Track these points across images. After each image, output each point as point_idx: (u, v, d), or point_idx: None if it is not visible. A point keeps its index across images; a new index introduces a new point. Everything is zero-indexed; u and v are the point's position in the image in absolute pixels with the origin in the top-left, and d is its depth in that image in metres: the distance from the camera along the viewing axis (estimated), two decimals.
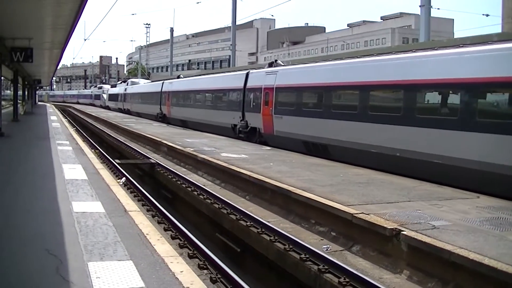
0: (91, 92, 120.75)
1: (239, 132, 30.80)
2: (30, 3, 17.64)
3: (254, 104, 28.93)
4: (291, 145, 24.59)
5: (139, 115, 61.46)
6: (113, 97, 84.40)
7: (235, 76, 34.31)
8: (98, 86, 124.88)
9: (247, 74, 30.79)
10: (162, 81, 54.51)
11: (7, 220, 10.02)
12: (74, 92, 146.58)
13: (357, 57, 23.79)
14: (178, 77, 54.28)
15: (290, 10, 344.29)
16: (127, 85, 75.22)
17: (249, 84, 30.06)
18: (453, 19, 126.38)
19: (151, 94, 56.18)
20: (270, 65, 30.78)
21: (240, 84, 30.84)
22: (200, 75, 55.06)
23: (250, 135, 29.54)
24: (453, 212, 11.34)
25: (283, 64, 30.03)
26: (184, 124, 43.33)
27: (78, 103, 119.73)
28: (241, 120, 30.47)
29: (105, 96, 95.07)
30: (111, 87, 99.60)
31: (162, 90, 50.85)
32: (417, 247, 9.22)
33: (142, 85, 68.42)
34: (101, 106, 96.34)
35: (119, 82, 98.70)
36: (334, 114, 21.63)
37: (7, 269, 7.35)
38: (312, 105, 24.41)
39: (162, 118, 50.35)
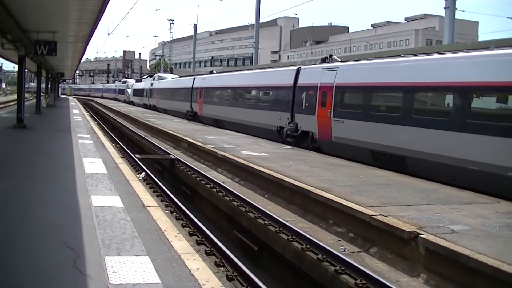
0: (115, 86, 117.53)
1: (286, 135, 27.20)
2: None
3: (307, 104, 25.16)
4: (354, 154, 21.13)
5: (166, 112, 58.02)
6: (138, 92, 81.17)
7: (283, 72, 30.40)
8: (122, 80, 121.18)
9: (298, 70, 27.00)
10: (193, 76, 50.43)
11: (26, 211, 10.08)
12: (99, 86, 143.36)
13: (453, 52, 19.12)
14: (211, 72, 49.65)
15: (313, 9, 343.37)
16: (153, 79, 72.28)
17: (300, 82, 26.38)
18: (477, 22, 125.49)
19: (181, 90, 52.36)
20: (323, 60, 26.68)
21: (289, 81, 27.18)
22: (237, 70, 50.13)
23: (300, 140, 25.78)
24: (472, 217, 11.23)
25: (339, 60, 26.26)
26: (217, 123, 39.05)
27: (102, 97, 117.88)
28: (289, 123, 26.82)
29: (129, 90, 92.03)
30: (136, 81, 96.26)
31: (194, 86, 46.74)
32: (435, 251, 9.15)
33: (171, 80, 64.53)
34: (124, 101, 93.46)
35: (145, 76, 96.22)
36: (419, 121, 18.07)
37: (25, 260, 7.39)
38: (387, 108, 20.66)
39: (193, 117, 46.56)
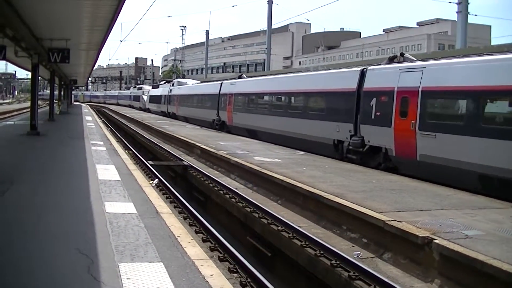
0: (130, 93, 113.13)
1: (347, 151, 22.66)
2: (68, 4, 17.90)
3: (378, 114, 20.72)
4: (450, 178, 16.90)
5: (187, 120, 53.50)
6: (155, 99, 76.42)
7: (341, 75, 25.90)
8: (137, 86, 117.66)
9: (362, 72, 22.44)
10: (220, 81, 45.18)
11: (40, 218, 10.14)
12: (115, 92, 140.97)
13: None
14: (240, 76, 44.46)
15: (325, 15, 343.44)
16: (172, 85, 66.32)
17: (368, 85, 21.82)
18: (490, 26, 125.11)
19: (205, 97, 47.56)
20: (392, 60, 22.37)
21: (351, 85, 22.81)
22: (273, 74, 44.22)
23: (367, 157, 21.46)
24: (486, 222, 11.17)
25: (414, 59, 22.11)
26: (252, 134, 34.30)
27: (118, 104, 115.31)
28: (352, 136, 22.26)
29: (145, 97, 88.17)
30: (152, 87, 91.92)
31: (221, 92, 41.89)
32: (449, 256, 9.10)
33: (192, 86, 59.22)
34: (140, 109, 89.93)
35: (162, 82, 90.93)
36: None
37: (39, 266, 7.42)
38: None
39: (220, 126, 41.65)
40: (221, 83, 43.40)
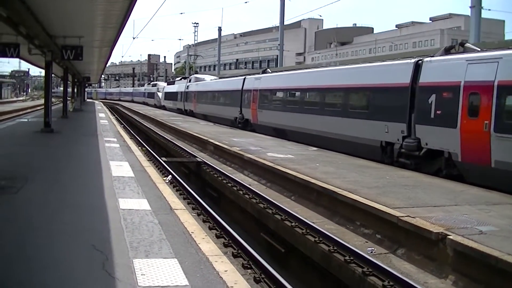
0: (144, 90, 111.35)
1: (399, 154, 20.02)
2: (82, 2, 17.96)
3: (439, 112, 18.08)
4: None
5: (206, 118, 50.60)
6: (170, 96, 73.33)
7: (390, 67, 22.47)
8: (152, 83, 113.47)
9: (417, 64, 19.59)
10: (242, 77, 42.10)
11: (55, 215, 10.20)
12: (129, 89, 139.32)
13: None
14: (264, 71, 40.83)
15: (338, 11, 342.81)
16: (189, 81, 62.75)
17: (424, 79, 19.00)
18: (504, 21, 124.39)
19: (226, 93, 44.70)
20: (448, 50, 19.82)
21: (403, 80, 20.02)
22: (302, 68, 38.80)
23: (424, 161, 18.89)
24: (501, 218, 11.13)
25: (477, 49, 18.85)
26: (280, 134, 31.53)
27: (132, 101, 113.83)
28: (405, 137, 19.60)
29: (160, 94, 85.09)
30: (168, 84, 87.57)
31: (244, 88, 39.03)
32: (464, 252, 9.07)
33: (211, 81, 56.82)
34: (155, 106, 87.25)
35: (178, 78, 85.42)
36: None
37: (54, 263, 7.47)
38: None
39: (243, 124, 38.88)
40: (244, 78, 40.49)
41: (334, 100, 26.54)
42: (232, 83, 44.17)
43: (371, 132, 21.67)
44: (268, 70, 41.99)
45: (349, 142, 23.29)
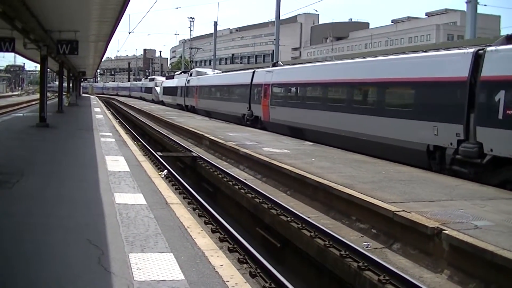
0: (141, 84, 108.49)
1: (453, 161, 17.04)
2: None
3: (511, 112, 14.95)
4: None
5: (209, 114, 47.80)
6: (169, 91, 70.69)
7: (439, 59, 19.05)
8: (149, 77, 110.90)
9: (477, 54, 16.48)
10: (251, 70, 38.42)
11: (50, 209, 10.18)
12: (127, 84, 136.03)
13: None
14: (275, 64, 37.09)
15: (334, 6, 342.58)
16: (190, 75, 59.06)
17: (489, 73, 15.87)
18: (499, 16, 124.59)
19: (233, 88, 41.41)
20: (510, 39, 16.30)
21: (460, 73, 17.02)
22: (326, 61, 32.73)
23: (488, 170, 15.86)
24: (496, 212, 11.15)
25: None
26: (296, 133, 28.55)
27: (130, 96, 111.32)
28: (462, 141, 16.61)
29: (158, 89, 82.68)
30: (166, 78, 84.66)
31: (254, 82, 35.65)
32: (459, 246, 9.09)
33: (215, 75, 53.25)
34: (153, 101, 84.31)
35: (178, 72, 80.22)
36: None
37: (50, 258, 7.47)
38: None
39: (252, 122, 35.60)
40: (254, 72, 36.79)
41: (367, 96, 23.42)
42: (240, 77, 40.85)
43: (415, 134, 18.70)
44: (280, 62, 38.41)
45: (386, 145, 20.24)
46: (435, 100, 18.03)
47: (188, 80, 57.99)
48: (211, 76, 53.71)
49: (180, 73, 72.09)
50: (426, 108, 18.45)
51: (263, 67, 39.59)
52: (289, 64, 37.38)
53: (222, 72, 56.80)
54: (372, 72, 22.45)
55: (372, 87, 22.75)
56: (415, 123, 18.76)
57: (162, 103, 74.96)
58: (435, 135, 17.61)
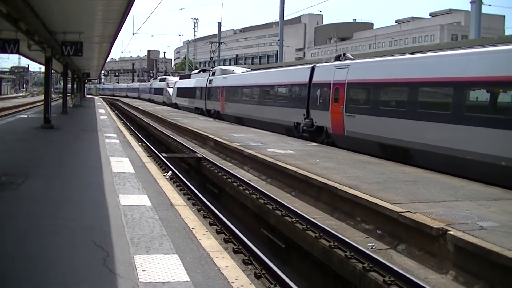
0: (150, 85, 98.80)
1: None
2: None
3: None
4: None
5: (241, 121, 38.60)
6: (184, 92, 60.15)
7: None
8: (159, 77, 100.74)
9: None
10: (309, 65, 28.99)
11: (55, 211, 10.19)
12: (136, 85, 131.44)
13: None
14: (338, 58, 27.08)
15: (338, 6, 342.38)
16: (212, 74, 48.82)
17: None
18: (504, 16, 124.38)
19: (280, 89, 32.50)
20: None
21: None
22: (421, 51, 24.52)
23: None
24: (502, 213, 11.11)
25: None
26: (393, 155, 19.89)
27: (139, 98, 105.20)
28: None
29: (170, 90, 72.68)
30: (180, 78, 71.64)
31: (314, 81, 26.75)
32: (464, 247, 9.06)
33: (249, 74, 43.19)
34: (164, 104, 74.78)
35: (196, 71, 63.64)
36: None
37: (55, 259, 7.48)
38: None
39: (313, 134, 26.74)
40: (313, 67, 27.71)
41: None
42: (291, 75, 31.92)
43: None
44: (348, 55, 27.86)
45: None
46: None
47: (210, 80, 48.25)
48: (242, 74, 43.83)
49: (199, 72, 59.73)
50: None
51: (324, 62, 30.48)
52: (367, 58, 27.60)
53: (254, 70, 47.94)
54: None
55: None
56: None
57: (175, 106, 65.23)
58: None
